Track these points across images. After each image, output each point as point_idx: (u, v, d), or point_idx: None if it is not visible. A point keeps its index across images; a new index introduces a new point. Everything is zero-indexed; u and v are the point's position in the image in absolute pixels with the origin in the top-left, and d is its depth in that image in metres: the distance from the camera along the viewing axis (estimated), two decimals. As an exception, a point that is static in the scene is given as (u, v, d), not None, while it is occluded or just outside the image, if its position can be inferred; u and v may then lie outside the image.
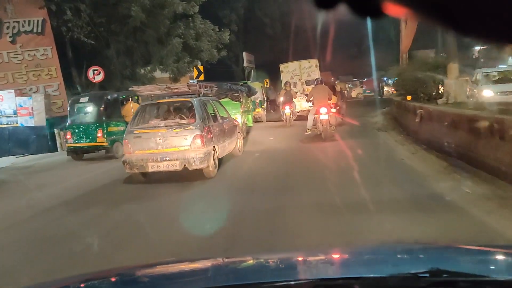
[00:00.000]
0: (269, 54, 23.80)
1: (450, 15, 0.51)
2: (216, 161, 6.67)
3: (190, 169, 6.07)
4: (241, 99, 10.54)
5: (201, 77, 11.52)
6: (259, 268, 1.43)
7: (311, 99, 9.83)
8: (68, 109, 9.84)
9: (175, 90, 7.12)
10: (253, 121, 13.09)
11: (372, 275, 1.11)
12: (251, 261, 1.52)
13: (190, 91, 7.12)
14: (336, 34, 21.41)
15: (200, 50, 14.23)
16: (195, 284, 1.26)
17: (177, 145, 6.15)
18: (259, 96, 14.72)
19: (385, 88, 25.32)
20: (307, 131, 9.86)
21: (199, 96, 7.18)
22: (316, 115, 9.54)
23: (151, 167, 6.19)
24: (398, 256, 1.46)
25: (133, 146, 6.33)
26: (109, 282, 1.35)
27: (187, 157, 5.99)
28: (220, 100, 8.50)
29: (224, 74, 17.42)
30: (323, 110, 9.27)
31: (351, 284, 1.02)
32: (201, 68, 12.29)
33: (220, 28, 15.58)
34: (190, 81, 11.53)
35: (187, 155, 6.02)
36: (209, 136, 6.41)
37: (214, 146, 6.58)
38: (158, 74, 14.08)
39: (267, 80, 18.29)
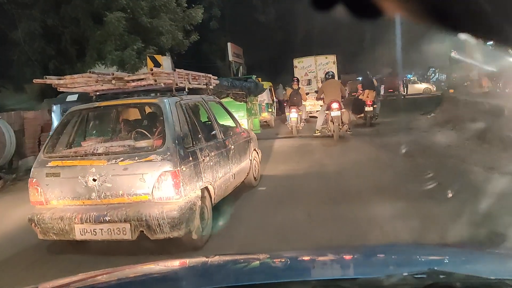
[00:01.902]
0: (262, 47, 21.27)
1: (447, 14, 0.53)
2: (210, 214, 3.75)
3: (152, 238, 3.42)
4: (247, 99, 8.06)
5: (159, 72, 8.36)
6: (255, 268, 1.45)
7: (322, 96, 9.15)
8: (52, 111, 7.42)
9: (132, 84, 4.00)
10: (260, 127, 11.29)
11: (369, 276, 1.14)
12: (248, 261, 1.52)
13: (162, 85, 4.04)
14: (340, 26, 19.10)
15: (158, 32, 10.64)
16: (191, 284, 1.32)
17: (126, 191, 3.48)
18: (265, 98, 12.97)
19: (409, 86, 25.63)
20: (316, 132, 9.26)
21: (177, 94, 4.15)
22: (327, 112, 8.79)
23: (80, 233, 3.48)
24: (395, 256, 1.50)
25: (46, 191, 3.64)
26: (103, 282, 1.34)
27: (146, 217, 3.35)
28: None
29: (205, 71, 14.10)
30: (335, 105, 8.54)
31: (348, 285, 1.05)
32: (159, 58, 8.74)
33: (189, 3, 12.04)
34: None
35: (146, 212, 3.37)
36: (194, 171, 3.54)
37: (206, 187, 3.69)
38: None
39: (259, 79, 15.68)
